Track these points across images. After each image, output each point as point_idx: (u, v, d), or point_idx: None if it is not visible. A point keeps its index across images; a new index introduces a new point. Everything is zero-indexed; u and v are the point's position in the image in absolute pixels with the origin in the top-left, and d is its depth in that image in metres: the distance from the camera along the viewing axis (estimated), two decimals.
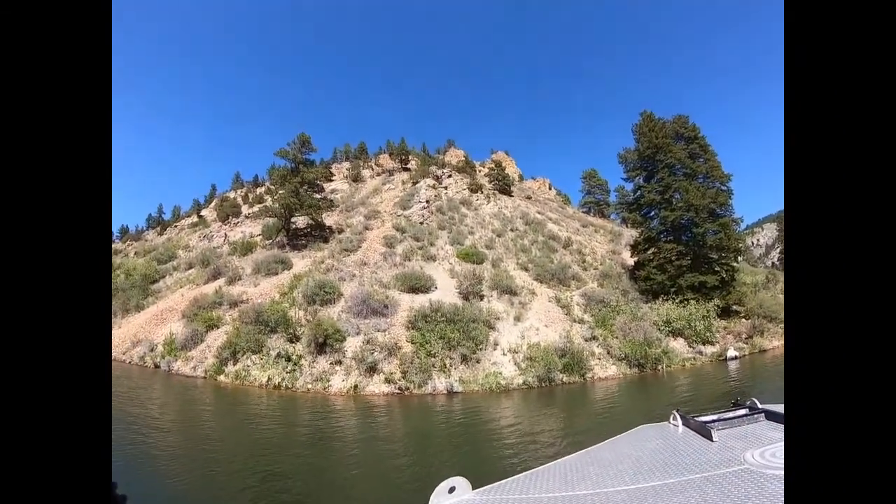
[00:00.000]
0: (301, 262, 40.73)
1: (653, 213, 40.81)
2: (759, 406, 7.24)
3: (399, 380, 23.55)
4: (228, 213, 73.36)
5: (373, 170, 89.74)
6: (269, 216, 51.40)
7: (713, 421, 6.85)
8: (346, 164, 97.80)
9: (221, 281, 38.18)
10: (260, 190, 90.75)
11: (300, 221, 50.87)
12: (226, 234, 61.85)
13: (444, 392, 23.05)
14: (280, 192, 50.07)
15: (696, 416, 7.17)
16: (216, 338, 28.50)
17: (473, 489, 4.58)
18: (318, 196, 51.84)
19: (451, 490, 4.40)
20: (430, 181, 63.92)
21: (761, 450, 5.15)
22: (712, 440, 5.91)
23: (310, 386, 23.59)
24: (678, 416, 7.32)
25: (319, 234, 49.45)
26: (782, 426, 5.94)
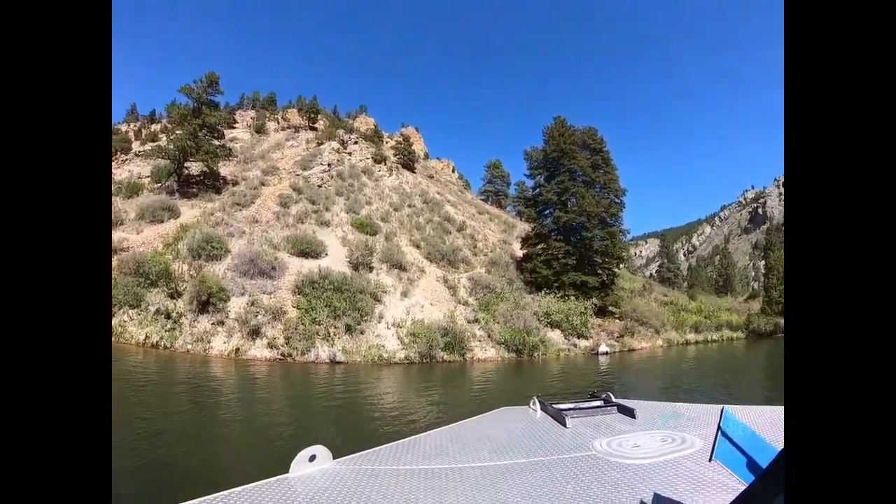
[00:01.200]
0: (190, 211, 38.52)
1: (548, 211, 42.59)
2: (614, 399, 7.55)
3: (282, 345, 23.14)
4: (117, 148, 66.99)
5: (278, 123, 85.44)
6: (162, 157, 47.57)
7: (569, 409, 7.13)
8: (252, 113, 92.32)
9: None
10: (155, 127, 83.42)
11: (194, 168, 47.59)
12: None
13: (327, 361, 22.93)
14: (177, 132, 46.34)
15: (555, 404, 7.43)
16: None
17: (334, 458, 4.62)
18: (217, 142, 48.77)
19: (312, 458, 4.42)
20: (335, 144, 62.27)
21: (609, 439, 5.40)
22: (566, 426, 6.16)
23: (190, 346, 22.65)
24: (537, 402, 7.56)
25: (213, 183, 46.63)
26: (632, 420, 6.42)
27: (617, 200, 42.69)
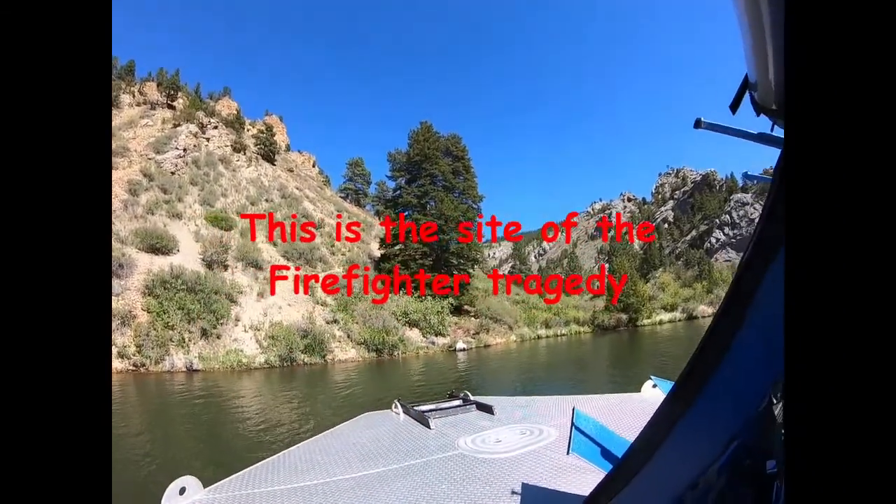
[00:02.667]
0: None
1: (407, 213, 43.34)
2: (471, 398, 7.89)
3: (134, 354, 21.95)
4: None
5: (134, 97, 77.99)
6: None
7: (431, 410, 7.36)
8: None
9: None
10: None
11: None
12: None
13: (184, 370, 22.08)
14: None
15: (416, 405, 7.68)
16: None
17: (205, 487, 4.46)
18: None
19: (182, 491, 4.19)
20: (193, 128, 58.18)
21: (472, 437, 5.63)
22: (430, 428, 6.34)
23: None
24: (399, 405, 7.75)
25: None
26: (491, 416, 6.73)
27: (474, 206, 44.68)
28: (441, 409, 7.45)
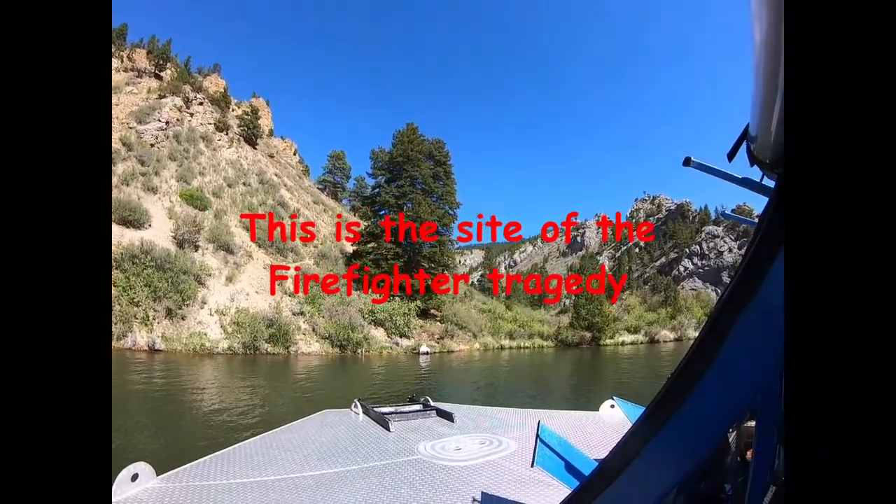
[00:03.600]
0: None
1: (384, 212, 43.64)
2: (432, 404, 7.93)
3: None
4: None
5: (122, 62, 76.15)
6: None
7: (391, 413, 7.34)
8: None
9: None
10: None
11: None
12: None
13: (146, 348, 21.84)
14: None
15: (376, 407, 7.65)
16: None
17: (158, 475, 4.35)
18: None
19: (134, 478, 4.07)
20: (178, 101, 57.22)
21: (432, 443, 5.64)
22: (389, 430, 6.34)
23: None
24: (359, 405, 7.67)
25: None
26: (451, 423, 6.73)
27: (451, 212, 45.03)
28: (401, 413, 7.48)
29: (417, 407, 7.89)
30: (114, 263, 25.38)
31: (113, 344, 21.14)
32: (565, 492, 2.56)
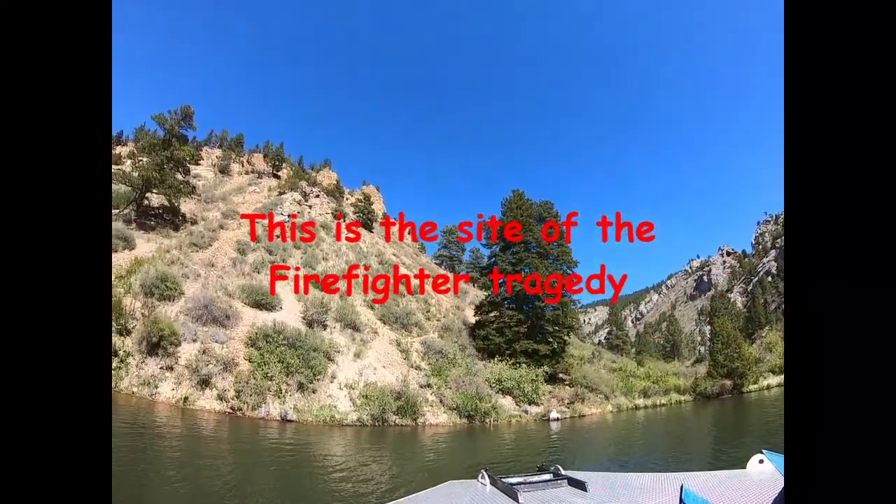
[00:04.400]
0: (146, 245, 37.67)
1: (502, 280, 43.22)
2: (563, 472, 7.30)
3: (232, 398, 22.60)
4: None
5: (243, 166, 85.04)
6: (124, 184, 45.91)
7: (519, 483, 6.81)
8: (217, 152, 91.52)
9: None
10: (120, 149, 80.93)
11: (154, 200, 46.69)
12: None
13: (278, 418, 22.53)
14: (143, 160, 45.42)
15: (503, 478, 7.07)
16: None
17: None
18: (181, 177, 48.00)
19: None
20: (297, 195, 62.48)
21: None
22: (518, 502, 5.86)
23: (135, 389, 21.66)
24: (486, 476, 7.19)
25: (171, 219, 45.84)
26: (584, 493, 6.18)
27: (569, 272, 44.26)
28: (530, 483, 6.93)
29: (547, 476, 7.27)
30: (249, 341, 27.09)
31: (247, 413, 22.22)
32: None
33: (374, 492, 12.73)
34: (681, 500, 3.42)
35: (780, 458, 5.13)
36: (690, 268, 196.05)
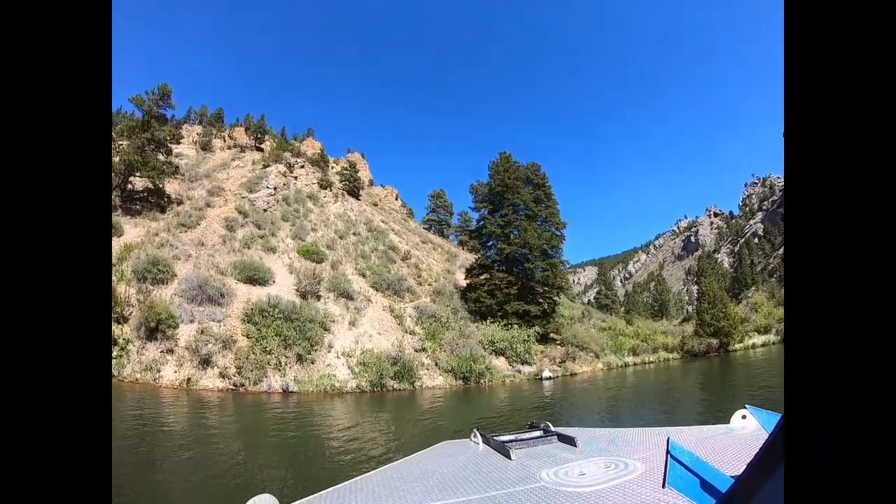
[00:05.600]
0: (133, 230, 37.33)
1: (491, 243, 44.14)
2: (553, 429, 7.39)
3: (234, 375, 22.93)
4: None
5: (225, 141, 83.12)
6: None
7: (511, 441, 6.91)
8: (198, 129, 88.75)
9: None
10: None
11: (138, 183, 46.08)
12: None
13: (280, 391, 22.94)
14: (124, 143, 44.41)
15: (495, 436, 7.23)
16: None
17: None
18: (163, 158, 47.33)
19: None
20: (281, 167, 61.52)
21: (555, 469, 5.24)
22: (510, 459, 5.96)
23: (138, 375, 21.84)
24: (479, 434, 7.33)
25: (157, 201, 45.28)
26: (573, 448, 6.29)
27: (557, 233, 44.78)
28: (521, 440, 7.04)
29: (538, 433, 7.39)
30: (245, 317, 27.36)
31: (249, 388, 22.62)
32: None
33: (375, 455, 13.03)
34: (667, 452, 3.48)
35: (763, 414, 5.27)
36: (678, 228, 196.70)
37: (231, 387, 22.50)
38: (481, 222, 46.34)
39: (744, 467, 1.48)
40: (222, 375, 22.88)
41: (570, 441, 6.60)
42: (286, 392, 22.94)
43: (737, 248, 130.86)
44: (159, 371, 22.37)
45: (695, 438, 5.77)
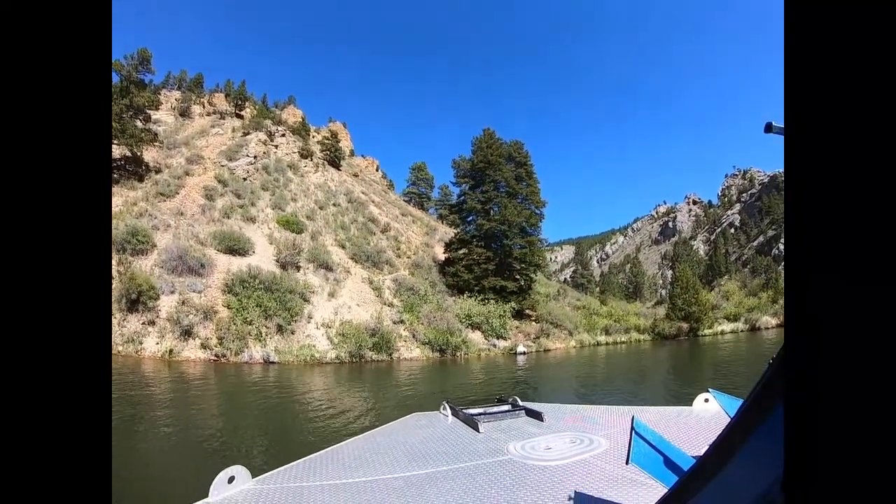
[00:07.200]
0: (112, 199, 36.84)
1: (471, 218, 44.68)
2: (521, 403, 7.64)
3: (215, 346, 23.20)
4: None
5: (204, 108, 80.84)
6: None
7: (479, 414, 7.13)
8: (177, 94, 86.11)
9: None
10: None
11: (115, 151, 44.64)
12: None
13: (261, 361, 23.26)
14: None
15: (464, 409, 7.42)
16: None
17: (253, 477, 4.56)
18: (141, 125, 46.49)
19: (231, 480, 4.29)
20: (261, 135, 60.54)
21: (522, 442, 5.45)
22: (479, 431, 6.19)
23: (120, 348, 22.00)
24: (448, 407, 7.55)
25: (135, 169, 44.48)
26: (540, 422, 6.51)
27: (537, 212, 45.20)
28: (490, 414, 7.31)
29: (506, 407, 7.70)
30: (226, 288, 27.51)
31: (231, 358, 22.89)
32: (661, 490, 2.48)
33: (351, 424, 13.29)
34: (632, 429, 3.36)
35: (725, 398, 5.24)
36: (657, 213, 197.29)
37: (213, 357, 22.76)
38: (462, 197, 46.61)
39: (705, 447, 1.47)
40: (204, 346, 23.14)
41: (537, 416, 6.87)
42: (267, 362, 23.26)
43: (713, 237, 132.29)
44: (141, 343, 22.55)
45: (659, 418, 6.10)
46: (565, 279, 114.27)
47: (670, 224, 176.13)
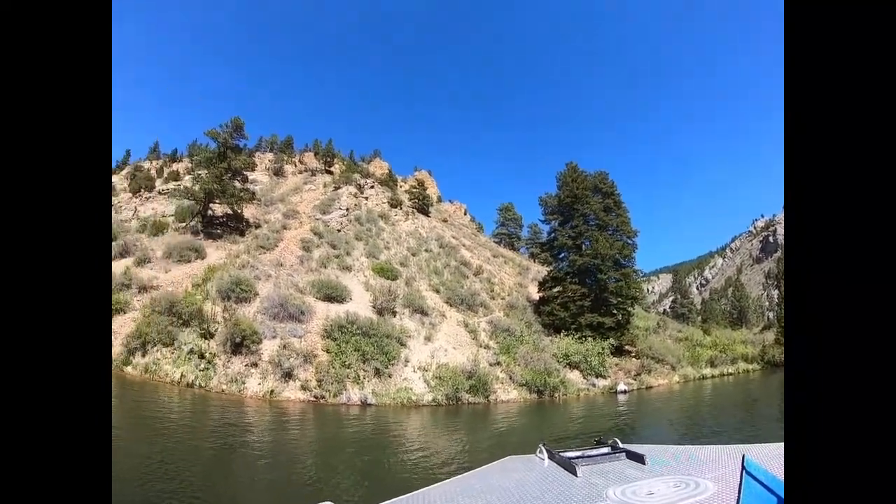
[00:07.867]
0: (215, 252, 39.55)
1: (563, 255, 44.03)
2: (621, 445, 7.19)
3: (315, 388, 23.88)
4: (142, 185, 67.89)
5: (295, 167, 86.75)
6: (187, 198, 48.84)
7: (577, 457, 6.75)
8: (270, 156, 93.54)
9: (130, 260, 35.50)
10: (177, 166, 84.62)
11: (218, 209, 48.90)
12: (136, 208, 58.41)
13: (359, 403, 23.70)
14: (203, 174, 47.68)
15: (561, 452, 7.03)
16: (122, 324, 26.78)
17: None
18: (240, 185, 50.03)
19: None
20: (352, 189, 63.62)
21: (622, 487, 5.15)
22: (576, 475, 5.83)
23: (224, 387, 23.15)
24: (544, 450, 7.14)
25: (236, 225, 47.77)
26: (641, 465, 6.14)
27: (629, 241, 43.90)
28: (588, 456, 6.86)
29: (605, 449, 7.22)
30: (324, 333, 28.42)
31: (329, 400, 23.49)
32: None
33: (448, 466, 13.30)
34: (742, 470, 3.24)
35: None
36: (755, 228, 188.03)
37: (312, 398, 23.39)
38: (552, 234, 46.22)
39: None
40: (303, 388, 23.83)
41: (638, 458, 6.47)
42: (364, 404, 23.64)
43: None
44: (244, 383, 23.50)
45: (773, 455, 5.44)
46: (664, 310, 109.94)
47: (771, 238, 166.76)
